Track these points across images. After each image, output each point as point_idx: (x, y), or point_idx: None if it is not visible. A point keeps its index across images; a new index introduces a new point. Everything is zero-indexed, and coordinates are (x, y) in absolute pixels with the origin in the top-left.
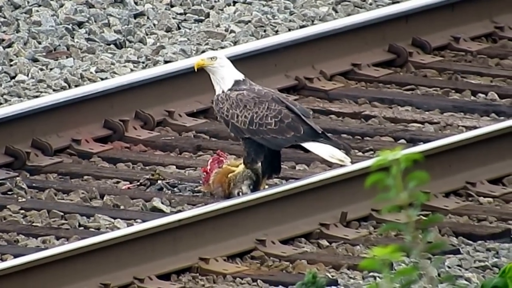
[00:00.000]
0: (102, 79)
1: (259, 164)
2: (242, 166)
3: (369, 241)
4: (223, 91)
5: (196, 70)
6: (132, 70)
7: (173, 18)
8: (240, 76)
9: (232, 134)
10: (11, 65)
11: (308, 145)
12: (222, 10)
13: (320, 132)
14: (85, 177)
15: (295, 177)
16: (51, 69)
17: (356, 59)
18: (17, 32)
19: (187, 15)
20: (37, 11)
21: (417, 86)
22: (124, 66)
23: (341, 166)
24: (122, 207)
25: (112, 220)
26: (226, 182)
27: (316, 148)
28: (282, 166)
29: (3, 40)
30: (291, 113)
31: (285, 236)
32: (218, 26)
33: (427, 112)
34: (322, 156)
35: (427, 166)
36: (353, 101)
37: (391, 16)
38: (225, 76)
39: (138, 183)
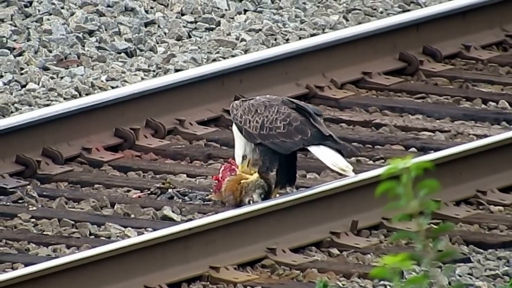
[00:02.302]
0: (112, 87)
1: (274, 173)
2: (256, 175)
3: (379, 250)
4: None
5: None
6: (142, 79)
7: (184, 26)
8: None
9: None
10: (22, 74)
11: (314, 150)
12: (232, 18)
13: (327, 134)
14: (96, 185)
15: (306, 186)
16: (61, 78)
17: (367, 67)
18: (28, 41)
19: (198, 23)
20: (48, 19)
21: (427, 94)
22: (135, 75)
23: (343, 175)
24: (132, 215)
25: (123, 228)
26: (238, 189)
27: (321, 154)
28: None
29: (14, 48)
30: (300, 115)
31: (296, 245)
32: (228, 34)
33: (437, 121)
34: (325, 163)
35: (437, 174)
36: (363, 110)
37: (401, 25)
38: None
39: (149, 192)
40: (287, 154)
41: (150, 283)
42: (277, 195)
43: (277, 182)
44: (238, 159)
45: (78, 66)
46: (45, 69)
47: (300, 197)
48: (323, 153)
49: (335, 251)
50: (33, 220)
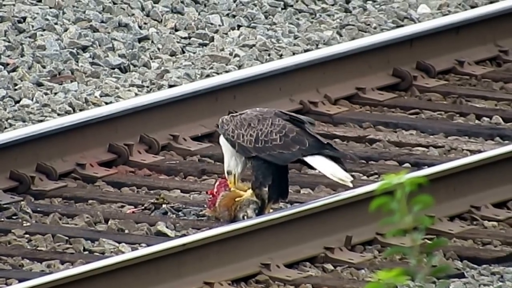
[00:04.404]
0: (106, 103)
1: (267, 188)
2: (250, 191)
3: (374, 265)
4: (229, 114)
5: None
6: (136, 94)
7: (178, 42)
8: None
9: (240, 154)
10: (15, 90)
11: (311, 161)
12: (226, 34)
13: (325, 143)
14: (90, 201)
15: (300, 201)
16: (55, 93)
17: (361, 83)
18: (21, 56)
19: (192, 39)
20: (42, 35)
21: (421, 110)
22: (129, 90)
23: (343, 185)
24: (126, 231)
25: (117, 244)
26: (233, 206)
27: (319, 165)
28: None
29: (8, 64)
30: (295, 126)
31: (290, 260)
32: (222, 50)
33: (431, 136)
34: (324, 173)
35: (431, 190)
36: (357, 125)
37: (395, 40)
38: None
39: (143, 207)
40: (279, 169)
41: None
42: (271, 210)
43: (270, 197)
44: (227, 174)
45: (72, 81)
46: (39, 84)
47: (294, 213)
48: (321, 164)
49: (329, 266)
50: (27, 235)
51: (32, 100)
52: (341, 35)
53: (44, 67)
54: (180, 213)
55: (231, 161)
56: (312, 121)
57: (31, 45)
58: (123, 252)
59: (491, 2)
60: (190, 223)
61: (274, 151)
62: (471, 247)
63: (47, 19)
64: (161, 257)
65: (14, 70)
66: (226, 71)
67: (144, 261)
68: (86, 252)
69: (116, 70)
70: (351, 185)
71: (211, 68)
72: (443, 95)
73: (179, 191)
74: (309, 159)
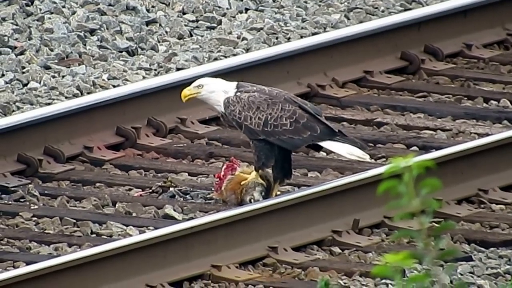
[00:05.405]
0: (114, 86)
1: (270, 169)
2: (254, 173)
3: (381, 248)
4: (234, 94)
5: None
6: (144, 77)
7: (185, 25)
8: (232, 87)
9: (246, 135)
10: (23, 73)
11: (325, 144)
12: (234, 17)
13: (336, 130)
14: (97, 184)
15: (307, 184)
16: (63, 77)
17: (369, 66)
18: (29, 40)
19: (199, 22)
20: (49, 18)
21: (429, 93)
22: (136, 73)
23: (362, 161)
24: (134, 214)
25: (124, 227)
26: (239, 189)
27: (334, 146)
28: (294, 173)
29: (16, 47)
30: (305, 112)
31: (298, 243)
32: (230, 33)
33: (439, 119)
34: (341, 153)
35: (439, 173)
36: (365, 108)
37: (403, 23)
38: (219, 99)
39: (150, 190)
40: (282, 149)
41: (152, 282)
42: (278, 192)
43: (275, 178)
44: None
45: (79, 65)
46: (47, 68)
47: (301, 196)
48: (336, 146)
49: (336, 249)
50: (34, 218)
51: (39, 83)
52: (349, 18)
53: (51, 50)
54: (187, 196)
55: None
56: (319, 112)
57: (38, 28)
58: (130, 235)
59: None
60: (198, 206)
61: (283, 136)
62: (478, 230)
63: (54, 2)
64: (169, 240)
65: (22, 53)
66: (234, 55)
67: (152, 244)
68: (94, 235)
69: (123, 53)
70: (369, 160)
71: (219, 51)
72: (451, 79)
73: (186, 174)
74: (322, 143)
